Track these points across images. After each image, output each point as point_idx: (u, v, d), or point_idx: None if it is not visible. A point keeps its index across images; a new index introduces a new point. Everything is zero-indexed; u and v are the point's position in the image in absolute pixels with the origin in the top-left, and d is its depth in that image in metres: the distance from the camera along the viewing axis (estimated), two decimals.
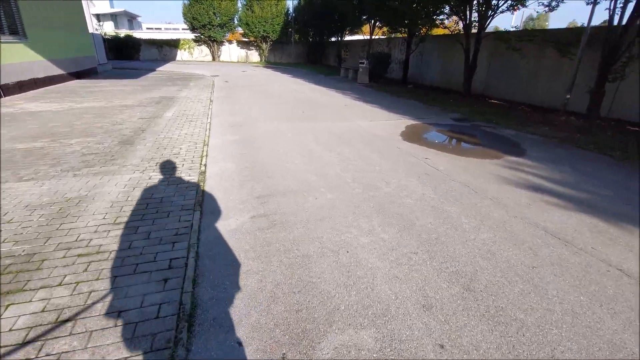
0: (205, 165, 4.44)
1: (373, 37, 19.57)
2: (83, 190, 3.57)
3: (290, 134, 6.09)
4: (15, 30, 10.60)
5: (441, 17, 13.21)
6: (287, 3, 29.09)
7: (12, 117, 6.89)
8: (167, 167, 4.27)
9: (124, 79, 14.73)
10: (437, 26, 14.62)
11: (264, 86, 13.54)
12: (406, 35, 15.71)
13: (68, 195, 3.45)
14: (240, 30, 29.75)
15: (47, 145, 5.11)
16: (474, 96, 11.91)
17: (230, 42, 30.91)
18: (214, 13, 27.51)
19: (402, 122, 7.55)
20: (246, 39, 30.55)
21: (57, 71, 12.66)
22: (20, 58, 10.53)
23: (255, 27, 27.98)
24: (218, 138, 5.74)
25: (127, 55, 28.06)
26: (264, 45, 30.45)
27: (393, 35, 19.81)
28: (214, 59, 30.68)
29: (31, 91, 10.76)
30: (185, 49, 30.15)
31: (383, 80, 15.86)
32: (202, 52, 30.69)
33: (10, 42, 10.18)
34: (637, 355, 1.79)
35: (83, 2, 27.75)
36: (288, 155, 4.90)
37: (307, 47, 31.16)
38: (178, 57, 30.35)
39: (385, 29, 19.01)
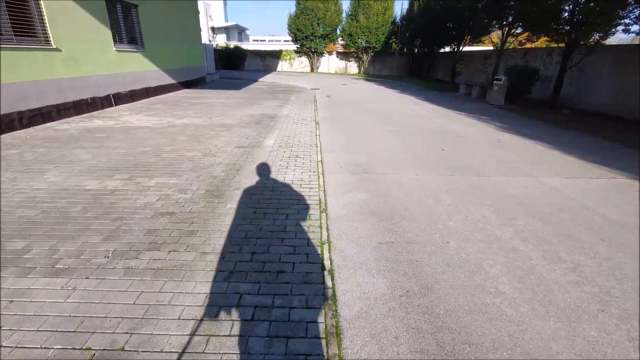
0: (332, 276, 2.42)
1: (504, 47, 16.04)
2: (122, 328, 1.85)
3: (449, 200, 3.79)
4: (134, 39, 10.55)
5: (634, 18, 9.41)
6: (395, 11, 26.95)
7: (108, 135, 6.07)
8: (265, 275, 2.38)
9: (227, 90, 14.31)
10: (612, 32, 10.74)
11: (373, 104, 11.49)
12: (562, 45, 12.04)
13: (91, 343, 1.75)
14: (341, 41, 28.63)
15: (119, 187, 3.78)
16: None
17: (329, 53, 30.06)
18: (318, 24, 26.89)
19: (621, 183, 4.61)
20: (346, 50, 29.29)
21: (168, 80, 12.62)
22: (136, 67, 10.42)
23: (359, 38, 26.46)
24: (339, 198, 3.76)
25: (234, 65, 29.29)
26: (364, 57, 28.80)
27: (533, 45, 16.02)
28: (312, 70, 30.18)
29: (141, 100, 10.60)
30: (286, 60, 30.31)
31: (523, 102, 12.41)
32: (302, 63, 30.47)
33: (129, 51, 10.07)
34: None
35: (202, 15, 29.97)
36: (482, 269, 2.59)
37: (412, 59, 28.45)
38: (279, 68, 30.67)
39: (523, 36, 15.40)
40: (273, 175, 4.32)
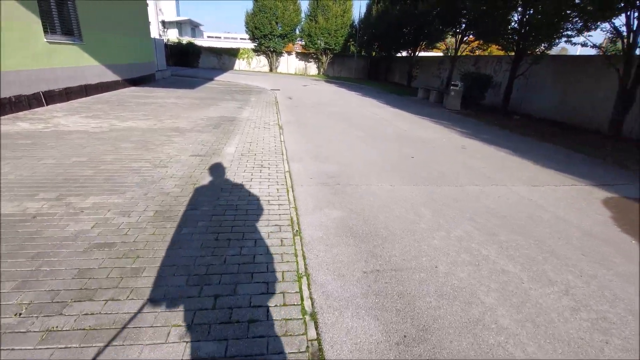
0: (315, 321, 2.02)
1: (457, 54, 16.72)
2: None
3: (429, 214, 3.58)
4: (70, 30, 9.30)
5: (575, 30, 10.14)
6: (353, 14, 27.16)
7: (34, 141, 5.11)
8: (234, 328, 1.94)
9: (180, 89, 13.28)
10: (556, 43, 11.56)
11: (336, 107, 11.26)
12: (511, 54, 12.74)
13: None
14: (300, 41, 28.26)
15: (43, 210, 3.05)
16: (623, 140, 8.65)
17: (289, 53, 29.55)
18: (277, 23, 26.27)
19: (580, 191, 4.75)
20: (305, 51, 28.98)
21: (111, 77, 11.37)
22: (72, 62, 9.19)
23: (318, 39, 26.27)
24: (313, 215, 3.38)
25: (187, 62, 27.66)
26: (323, 58, 28.69)
27: (485, 53, 16.88)
28: (271, 70, 29.46)
29: (79, 99, 9.37)
30: (243, 59, 29.26)
31: (477, 107, 12.94)
32: (260, 63, 29.62)
33: (62, 42, 8.83)
34: None
35: (151, 8, 27.93)
36: (477, 298, 2.35)
37: (369, 62, 28.89)
38: (236, 67, 29.53)
39: (474, 44, 16.17)
40: (236, 189, 3.82)
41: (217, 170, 4.42)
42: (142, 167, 4.34)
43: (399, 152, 6.10)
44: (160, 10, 30.74)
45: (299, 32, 27.57)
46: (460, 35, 16.34)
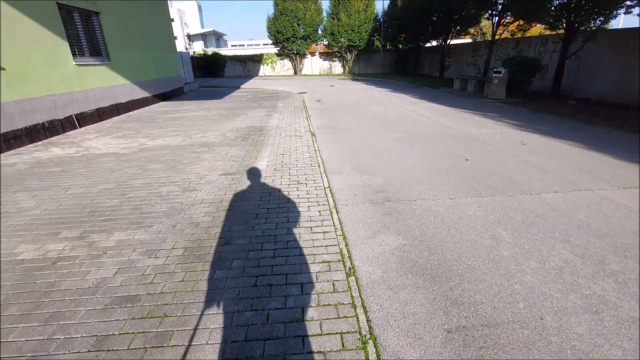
0: None
1: (495, 38, 15.42)
2: None
3: (509, 236, 2.91)
4: (98, 51, 9.37)
5: None
6: (376, 8, 26.23)
7: (63, 168, 4.96)
8: None
9: (208, 100, 13.21)
10: (614, 16, 10.15)
11: (368, 107, 10.60)
12: (559, 32, 11.42)
13: None
14: (324, 41, 27.74)
15: (64, 253, 2.74)
16: None
17: (312, 54, 29.13)
18: (298, 24, 25.94)
19: None
20: (329, 50, 28.42)
21: (141, 94, 11.45)
22: (101, 82, 9.25)
23: (341, 37, 25.63)
24: (366, 246, 2.83)
25: (213, 73, 28.07)
26: (348, 56, 27.99)
27: (524, 34, 15.46)
28: (295, 72, 29.20)
29: (110, 119, 9.43)
30: (267, 64, 29.24)
31: (523, 94, 11.74)
32: (284, 67, 29.45)
33: (91, 64, 8.90)
34: None
35: (176, 23, 28.68)
36: None
37: (396, 55, 27.78)
38: (261, 72, 29.58)
39: (513, 26, 14.82)
40: (273, 214, 3.33)
41: (249, 191, 3.97)
42: (171, 192, 3.99)
43: (449, 154, 5.37)
44: (185, 24, 31.53)
45: (322, 31, 27.07)
46: (497, 17, 15.05)
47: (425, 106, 10.43)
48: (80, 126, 8.40)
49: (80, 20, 8.71)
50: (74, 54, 8.26)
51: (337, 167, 4.84)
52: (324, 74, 29.43)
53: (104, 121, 9.16)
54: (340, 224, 3.16)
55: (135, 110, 10.90)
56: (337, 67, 29.52)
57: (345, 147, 5.96)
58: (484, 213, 3.33)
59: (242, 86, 19.28)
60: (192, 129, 7.71)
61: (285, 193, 3.86)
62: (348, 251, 2.73)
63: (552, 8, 11.02)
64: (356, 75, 26.94)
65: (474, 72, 18.54)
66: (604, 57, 10.93)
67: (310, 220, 3.20)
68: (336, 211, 3.41)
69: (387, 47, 27.97)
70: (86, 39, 8.92)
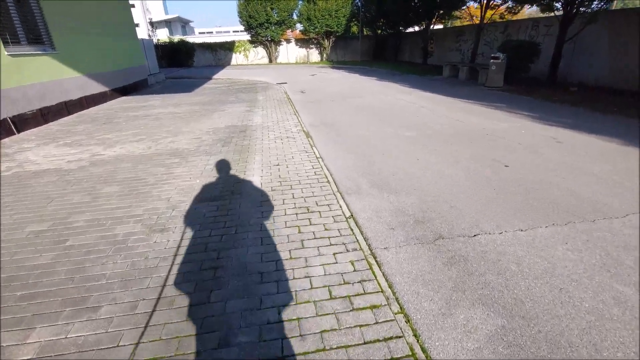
0: None
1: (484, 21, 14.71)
2: None
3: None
4: (38, 38, 7.70)
5: None
6: None
7: None
8: None
9: (177, 93, 11.68)
10: None
11: (360, 98, 9.56)
12: (550, 14, 10.79)
13: None
14: (299, 27, 26.19)
15: None
16: None
17: (287, 41, 27.53)
18: (272, 9, 24.22)
19: None
20: (305, 37, 26.92)
21: (96, 88, 9.80)
22: (44, 76, 7.62)
23: (318, 22, 24.19)
24: (446, 328, 1.85)
25: (181, 62, 25.93)
26: (325, 43, 26.62)
27: (513, 18, 14.84)
28: (270, 61, 27.55)
29: (59, 120, 7.85)
30: (240, 52, 27.36)
31: (519, 80, 11.10)
32: (258, 54, 27.69)
33: (30, 54, 7.26)
34: None
35: (138, 8, 26.19)
36: None
37: (375, 42, 26.72)
38: (233, 61, 27.68)
39: (500, 9, 14.13)
40: (283, 278, 2.25)
41: (243, 229, 2.85)
42: (130, 234, 2.80)
43: (480, 158, 4.46)
44: (147, 10, 28.88)
45: (297, 16, 25.49)
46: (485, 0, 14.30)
47: (421, 96, 9.52)
48: (19, 131, 6.84)
49: (13, 1, 7.03)
50: (4, 42, 6.64)
51: (351, 183, 3.79)
52: (301, 62, 27.97)
53: (49, 123, 7.58)
54: (391, 288, 2.13)
55: (90, 108, 9.29)
56: (314, 54, 28.13)
57: (352, 151, 4.91)
58: (578, 255, 2.41)
59: (214, 76, 17.64)
60: (160, 131, 6.39)
61: (295, 231, 2.78)
62: (424, 349, 1.70)
63: None
64: (335, 63, 25.73)
65: (459, 57, 17.88)
66: (601, 40, 10.41)
67: (344, 283, 2.15)
68: (376, 262, 2.38)
69: (365, 33, 26.84)
70: (22, 24, 7.25)
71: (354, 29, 28.14)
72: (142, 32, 25.34)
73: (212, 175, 4.05)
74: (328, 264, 2.35)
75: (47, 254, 2.58)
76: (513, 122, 6.34)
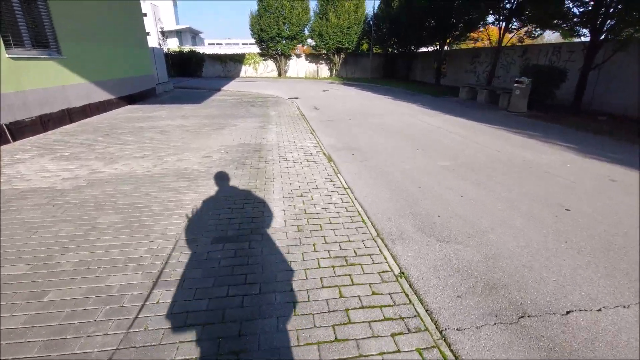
0: None
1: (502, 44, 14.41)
2: None
3: None
4: (44, 41, 7.29)
5: None
6: (366, 9, 24.93)
7: None
8: None
9: (185, 104, 11.25)
10: None
11: (379, 118, 9.08)
12: (574, 40, 10.44)
13: None
14: (311, 42, 26.11)
15: None
16: None
17: (298, 55, 27.43)
18: (284, 23, 24.17)
19: None
20: (316, 52, 26.82)
21: (102, 96, 9.37)
22: (47, 81, 7.18)
23: (330, 38, 24.09)
24: None
25: (190, 72, 25.79)
26: (335, 59, 26.49)
27: (535, 41, 14.55)
28: (280, 74, 27.39)
29: (60, 128, 7.37)
30: (250, 64, 27.23)
31: (542, 107, 10.63)
32: (268, 68, 27.56)
33: (34, 57, 6.84)
34: None
35: (150, 17, 26.24)
36: None
37: (385, 60, 26.59)
38: (242, 73, 27.54)
39: (521, 32, 13.84)
40: None
41: (269, 289, 2.26)
42: (128, 287, 2.21)
43: (533, 198, 3.89)
44: (159, 19, 29.00)
45: (309, 32, 25.44)
46: (505, 22, 14.03)
47: (445, 119, 9.03)
48: (15, 139, 6.33)
49: (19, 2, 6.65)
50: (7, 44, 6.21)
51: (392, 225, 3.20)
52: (310, 77, 27.81)
53: (49, 132, 7.09)
54: None
55: (94, 117, 8.83)
56: (324, 70, 27.99)
57: (383, 181, 4.35)
58: None
59: (224, 88, 17.31)
60: (166, 147, 5.86)
61: (335, 293, 2.20)
62: None
63: (577, 13, 9.99)
64: (345, 79, 25.52)
65: (474, 79, 17.57)
66: (630, 67, 9.99)
67: None
68: (452, 354, 1.77)
69: (375, 50, 26.76)
70: (27, 26, 6.85)
71: (364, 46, 28.09)
72: (153, 41, 25.32)
73: (226, 206, 3.47)
74: (388, 352, 1.75)
75: (18, 314, 1.99)
76: (553, 153, 5.80)
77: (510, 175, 4.64)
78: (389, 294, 2.20)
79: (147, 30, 14.77)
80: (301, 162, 5.04)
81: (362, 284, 2.29)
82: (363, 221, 3.20)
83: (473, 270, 2.49)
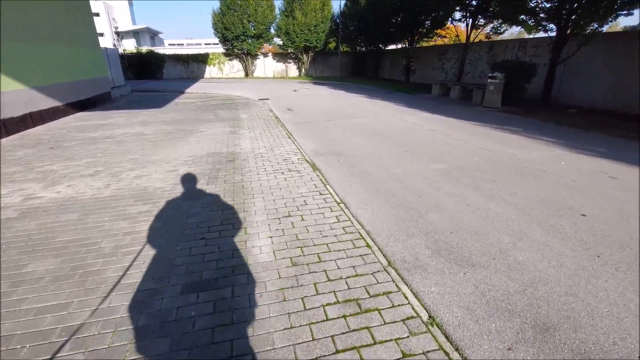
0: None
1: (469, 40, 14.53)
2: None
3: None
4: None
5: None
6: (332, 7, 24.56)
7: None
8: None
9: (144, 109, 10.23)
10: (614, 17, 9.48)
11: (358, 118, 8.65)
12: (536, 35, 10.62)
13: None
14: (278, 41, 25.36)
15: None
16: None
17: (265, 55, 26.57)
18: (249, 21, 23.25)
19: None
20: (283, 51, 26.10)
21: (46, 103, 8.22)
22: None
23: (297, 36, 23.48)
24: None
25: (150, 74, 24.18)
26: (304, 58, 25.92)
27: (499, 37, 14.80)
28: (247, 75, 26.40)
29: None
30: (214, 65, 26.00)
31: (514, 101, 10.71)
32: (234, 68, 26.46)
33: None
34: None
35: (103, 17, 24.31)
36: None
37: (354, 58, 26.41)
38: (207, 74, 26.25)
39: (488, 27, 14.01)
40: None
41: None
42: None
43: (539, 202, 3.58)
44: (113, 19, 26.98)
45: (275, 30, 24.68)
46: (471, 18, 14.13)
47: (424, 117, 8.75)
48: None
49: None
50: None
51: (402, 249, 2.71)
52: (279, 76, 27.05)
53: None
54: None
55: (37, 127, 7.69)
56: (292, 69, 27.33)
57: (379, 192, 3.86)
58: None
59: (187, 90, 16.22)
60: (122, 160, 5.04)
61: (355, 357, 1.64)
62: None
63: (543, 9, 10.11)
64: (315, 78, 25.01)
65: (442, 76, 17.68)
66: (594, 62, 10.26)
67: None
68: None
69: (344, 49, 26.48)
70: None
71: (332, 44, 27.76)
72: (107, 42, 23.45)
73: (198, 236, 2.82)
74: None
75: None
76: (542, 150, 5.61)
77: (509, 177, 4.32)
78: (423, 353, 1.69)
79: (100, 31, 13.45)
80: (282, 172, 4.45)
81: (386, 341, 1.77)
82: (367, 245, 2.68)
83: (514, 306, 2.04)
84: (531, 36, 13.26)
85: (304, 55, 25.65)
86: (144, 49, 27.11)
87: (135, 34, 43.26)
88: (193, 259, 2.50)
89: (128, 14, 44.46)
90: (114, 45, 21.81)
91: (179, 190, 3.86)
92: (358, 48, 25.54)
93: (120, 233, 2.91)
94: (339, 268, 2.40)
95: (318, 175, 4.34)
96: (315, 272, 2.36)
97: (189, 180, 4.19)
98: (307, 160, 5.01)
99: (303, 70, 26.68)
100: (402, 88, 16.58)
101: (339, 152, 5.50)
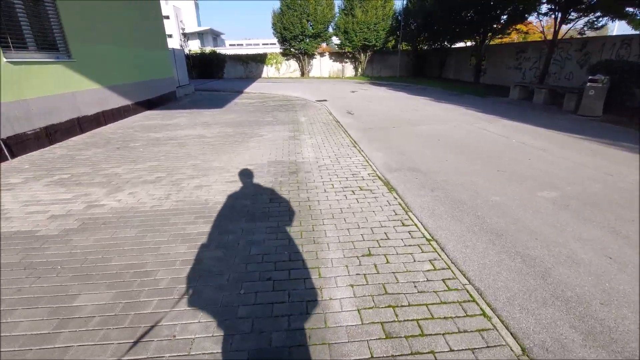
0: None
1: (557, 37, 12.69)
2: None
3: None
4: (52, 44, 6.46)
5: None
6: (395, 4, 23.43)
7: None
8: None
9: (206, 109, 10.33)
10: None
11: (426, 125, 7.79)
12: None
13: None
14: (335, 40, 24.87)
15: None
16: None
17: (321, 54, 26.25)
18: (307, 21, 23.06)
19: None
20: (340, 51, 25.54)
21: (117, 102, 8.53)
22: (53, 88, 6.33)
23: (355, 35, 22.75)
24: None
25: (212, 74, 25.16)
26: (361, 57, 25.12)
27: (593, 34, 12.77)
28: (303, 74, 26.32)
29: (67, 140, 6.51)
30: (272, 64, 26.31)
31: (621, 110, 8.96)
32: (290, 68, 26.55)
33: (38, 61, 6.00)
34: None
35: (172, 20, 25.78)
36: None
37: (415, 57, 24.97)
38: (264, 74, 26.67)
39: (578, 23, 12.08)
40: None
41: None
42: None
43: None
44: (181, 21, 28.58)
45: (333, 29, 24.21)
46: (560, 12, 12.32)
47: (507, 125, 7.61)
48: (14, 156, 5.49)
49: (22, 0, 5.81)
50: (4, 47, 5.36)
51: (537, 324, 1.98)
52: (334, 76, 26.59)
53: (55, 145, 6.26)
54: None
55: (109, 125, 8.00)
56: (348, 69, 26.69)
57: (482, 229, 3.09)
58: None
59: (246, 90, 16.39)
60: (184, 165, 4.83)
61: None
62: None
63: None
64: (373, 78, 24.11)
65: (519, 77, 15.83)
66: None
67: None
68: None
69: (404, 47, 25.17)
70: (31, 26, 6.00)
71: (391, 42, 26.60)
72: (175, 43, 24.85)
73: (263, 274, 2.33)
74: None
75: None
76: None
77: None
78: None
79: (169, 32, 14.06)
80: (353, 192, 3.86)
81: None
82: (484, 315, 1.98)
83: None
84: (637, 32, 11.18)
85: (362, 54, 24.87)
86: (208, 49, 28.34)
87: (200, 35, 45.72)
88: (259, 311, 2.01)
89: (194, 16, 47.15)
90: (181, 46, 22.98)
91: (240, 206, 3.46)
92: (420, 46, 24.10)
93: (178, 260, 2.53)
94: (451, 350, 1.74)
95: (396, 198, 3.68)
96: (419, 353, 1.72)
97: (250, 195, 3.78)
98: (380, 177, 4.37)
99: (360, 70, 25.92)
100: (472, 90, 15.12)
101: (415, 168, 4.76)
